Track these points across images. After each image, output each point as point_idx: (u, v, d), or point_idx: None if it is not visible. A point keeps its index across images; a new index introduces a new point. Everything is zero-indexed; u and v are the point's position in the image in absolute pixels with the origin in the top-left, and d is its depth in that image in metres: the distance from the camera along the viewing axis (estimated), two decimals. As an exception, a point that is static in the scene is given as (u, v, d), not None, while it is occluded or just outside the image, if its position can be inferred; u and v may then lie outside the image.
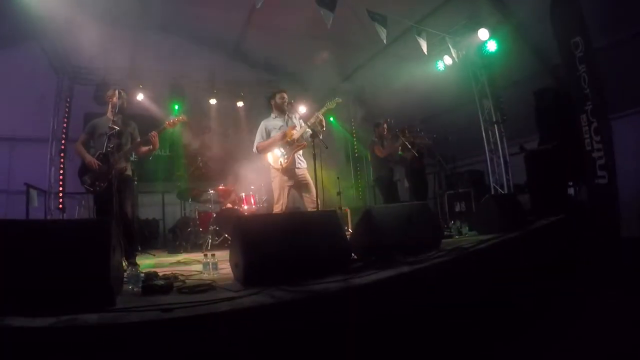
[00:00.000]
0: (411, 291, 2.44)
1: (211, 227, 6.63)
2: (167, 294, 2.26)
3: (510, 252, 3.95)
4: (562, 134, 6.52)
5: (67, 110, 7.95)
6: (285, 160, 4.64)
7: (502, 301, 3.35)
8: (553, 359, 2.67)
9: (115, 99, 4.05)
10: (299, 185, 4.73)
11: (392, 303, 2.28)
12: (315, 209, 4.46)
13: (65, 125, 7.85)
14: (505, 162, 7.60)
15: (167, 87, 8.85)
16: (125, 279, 2.51)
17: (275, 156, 4.73)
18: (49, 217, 7.06)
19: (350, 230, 5.54)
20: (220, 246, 6.31)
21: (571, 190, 6.87)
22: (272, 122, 4.88)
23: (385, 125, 6.90)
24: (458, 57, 7.33)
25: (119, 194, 3.63)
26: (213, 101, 9.47)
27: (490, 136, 7.71)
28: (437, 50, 7.45)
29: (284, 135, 4.68)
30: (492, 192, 7.42)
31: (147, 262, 4.59)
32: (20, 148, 8.18)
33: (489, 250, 3.56)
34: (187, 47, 8.97)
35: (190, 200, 7.51)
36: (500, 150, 7.60)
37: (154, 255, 5.81)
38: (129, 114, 4.38)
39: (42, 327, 1.52)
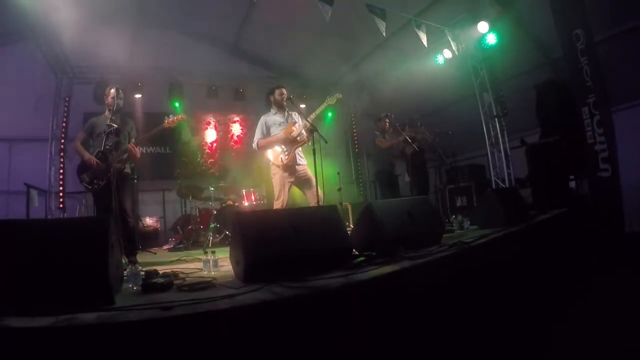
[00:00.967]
0: (413, 286, 2.43)
1: (212, 225, 6.62)
2: (167, 292, 2.24)
3: (512, 247, 3.93)
4: (563, 127, 6.51)
5: (66, 109, 7.94)
6: (286, 157, 4.62)
7: (504, 296, 3.34)
8: (554, 354, 2.66)
9: (112, 98, 4.03)
10: (300, 181, 4.72)
11: (394, 298, 2.26)
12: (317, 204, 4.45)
13: (64, 124, 7.85)
14: (506, 155, 7.58)
15: (166, 85, 8.84)
16: (125, 278, 2.50)
17: (276, 152, 4.70)
18: (49, 217, 7.06)
19: (351, 225, 5.53)
20: (221, 243, 6.30)
21: (573, 184, 6.84)
22: (272, 118, 4.86)
23: (386, 120, 6.88)
24: (458, 50, 7.31)
25: (117, 191, 3.62)
26: (212, 98, 9.43)
27: (491, 130, 7.69)
28: (436, 43, 7.41)
29: (286, 133, 4.67)
30: (493, 186, 7.40)
31: (147, 260, 4.58)
32: (20, 148, 8.16)
33: (490, 245, 3.54)
34: (185, 43, 8.94)
35: (190, 197, 7.50)
36: (501, 144, 7.58)
37: (155, 253, 5.81)
38: (127, 112, 4.37)
39: (41, 327, 1.51)
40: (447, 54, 7.63)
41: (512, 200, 4.95)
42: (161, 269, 3.05)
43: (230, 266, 2.71)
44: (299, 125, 4.72)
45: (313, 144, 4.33)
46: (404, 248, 2.80)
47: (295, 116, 4.88)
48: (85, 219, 3.46)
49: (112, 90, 4.08)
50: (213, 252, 3.18)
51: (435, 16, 6.96)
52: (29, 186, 6.53)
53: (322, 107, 4.71)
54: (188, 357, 1.58)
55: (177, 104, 8.75)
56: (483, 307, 2.94)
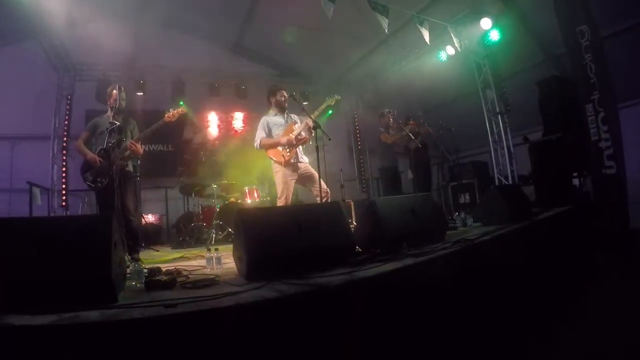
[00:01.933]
0: (416, 284, 2.42)
1: (215, 222, 6.62)
2: (171, 290, 2.23)
3: (515, 244, 3.91)
4: (566, 124, 6.48)
5: (68, 107, 7.93)
6: (288, 154, 4.63)
7: (507, 294, 3.33)
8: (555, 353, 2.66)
9: (115, 96, 4.04)
10: (303, 178, 4.74)
11: (397, 296, 2.25)
12: (326, 197, 4.45)
13: (66, 122, 7.83)
14: (510, 153, 7.56)
15: (169, 82, 8.83)
16: (128, 275, 2.50)
17: (278, 150, 4.71)
18: (52, 215, 7.07)
19: (354, 222, 5.52)
20: (224, 240, 6.30)
21: (576, 181, 6.81)
22: (273, 119, 4.88)
23: (390, 115, 6.88)
24: (461, 47, 7.27)
25: (120, 189, 3.62)
26: (214, 95, 9.43)
27: (494, 127, 7.66)
28: (439, 40, 7.38)
29: (287, 133, 4.70)
30: (496, 184, 7.38)
31: (150, 258, 4.59)
32: (22, 146, 8.16)
33: (494, 242, 3.52)
34: (187, 41, 8.93)
35: (193, 195, 7.50)
36: (504, 141, 7.56)
37: (158, 250, 5.81)
38: (130, 110, 4.38)
39: (44, 325, 1.50)
40: (450, 50, 7.60)
41: (515, 197, 4.93)
42: (164, 267, 3.05)
43: (233, 263, 2.71)
44: (299, 125, 4.74)
45: (316, 140, 4.33)
46: (407, 245, 2.80)
47: (295, 117, 4.92)
48: (88, 216, 3.45)
49: (115, 91, 4.09)
50: (216, 249, 3.18)
51: (437, 13, 6.93)
52: (31, 184, 6.53)
53: (322, 107, 4.74)
54: (191, 354, 1.58)
55: (181, 103, 8.73)
56: (486, 304, 2.93)
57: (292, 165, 4.66)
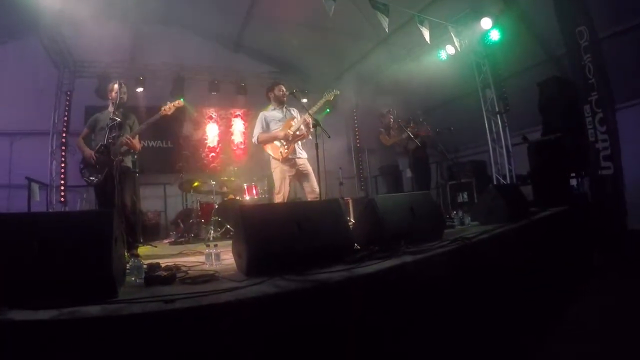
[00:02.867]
0: (414, 281, 2.44)
1: (213, 218, 6.63)
2: (170, 285, 2.24)
3: (513, 243, 3.93)
4: (565, 125, 6.51)
5: (67, 103, 7.93)
6: (286, 151, 4.65)
7: (505, 292, 3.35)
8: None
9: (115, 93, 4.05)
10: (299, 174, 4.76)
11: (396, 293, 2.27)
12: (315, 199, 4.48)
13: (66, 118, 7.84)
14: (508, 152, 7.58)
15: (168, 79, 8.85)
16: (127, 271, 2.51)
17: (275, 146, 4.73)
18: (51, 211, 7.08)
19: (352, 220, 5.55)
20: (222, 237, 6.31)
21: (574, 182, 6.84)
22: (271, 114, 4.91)
23: (390, 116, 6.90)
24: (461, 46, 7.28)
25: (119, 185, 3.63)
26: (214, 92, 9.46)
27: (493, 126, 7.67)
28: (439, 39, 7.39)
29: (285, 128, 4.72)
30: (495, 183, 7.40)
31: (148, 254, 4.59)
32: (21, 142, 8.18)
33: (492, 241, 3.54)
34: (188, 38, 8.94)
35: (192, 191, 7.51)
36: (502, 141, 7.57)
37: (156, 247, 5.82)
38: (130, 106, 4.39)
39: (45, 320, 1.51)
40: (450, 49, 7.60)
41: (513, 196, 4.94)
42: (163, 262, 3.06)
43: (232, 259, 2.72)
44: (297, 120, 4.75)
45: (316, 138, 4.35)
46: (406, 243, 2.81)
47: (294, 112, 4.94)
48: (89, 212, 3.47)
49: (115, 86, 4.11)
50: (215, 245, 3.19)
51: (438, 12, 6.95)
52: (30, 180, 6.53)
53: (320, 103, 4.75)
54: (191, 350, 1.59)
55: (182, 99, 8.72)
56: (483, 303, 2.96)
57: (289, 161, 4.69)
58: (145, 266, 2.58)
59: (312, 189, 4.61)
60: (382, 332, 2.10)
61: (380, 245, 2.78)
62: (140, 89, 8.33)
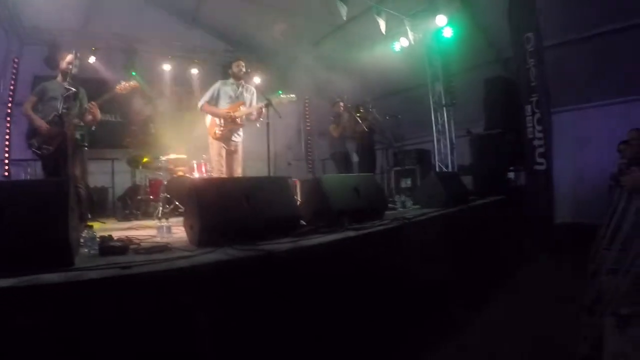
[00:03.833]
0: (355, 255, 2.68)
1: (162, 195, 6.58)
2: (124, 255, 2.30)
3: (449, 225, 4.28)
4: (507, 122, 6.95)
5: (14, 72, 7.46)
6: (220, 131, 4.85)
7: (438, 271, 3.70)
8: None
9: (68, 63, 3.95)
10: (229, 155, 5.00)
11: (337, 263, 2.49)
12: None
13: (12, 87, 7.37)
14: (452, 143, 8.03)
15: (121, 51, 8.52)
16: (81, 242, 2.55)
17: (212, 123, 4.90)
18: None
19: (299, 200, 5.76)
20: (171, 214, 6.25)
21: (512, 175, 7.39)
22: (225, 88, 5.03)
23: (341, 104, 7.09)
24: (415, 40, 7.57)
25: (71, 157, 3.59)
26: (167, 67, 9.23)
27: (439, 118, 8.09)
28: (394, 31, 7.63)
29: (230, 110, 4.89)
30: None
31: (98, 229, 4.55)
32: (-38, 112, 7.60)
33: (428, 222, 3.87)
34: (143, 10, 8.58)
35: (140, 167, 7.38)
36: (447, 133, 8.00)
37: (104, 222, 5.73)
38: (80, 78, 4.28)
39: (3, 288, 1.51)
40: (404, 42, 7.88)
41: (453, 183, 5.29)
42: (115, 236, 3.11)
43: (183, 233, 2.81)
44: (245, 108, 4.90)
45: (267, 117, 4.51)
46: (349, 220, 3.04)
47: (248, 93, 5.08)
48: (45, 180, 3.38)
49: (70, 56, 3.99)
50: (167, 219, 3.28)
51: (395, 5, 7.16)
52: (-30, 151, 6.17)
53: (275, 101, 4.79)
54: (149, 312, 1.68)
55: (133, 73, 8.46)
56: (417, 281, 3.27)
57: (224, 139, 4.91)
58: (98, 238, 2.63)
59: (239, 162, 4.96)
60: (325, 298, 2.31)
61: (325, 222, 2.99)
62: (92, 60, 7.98)
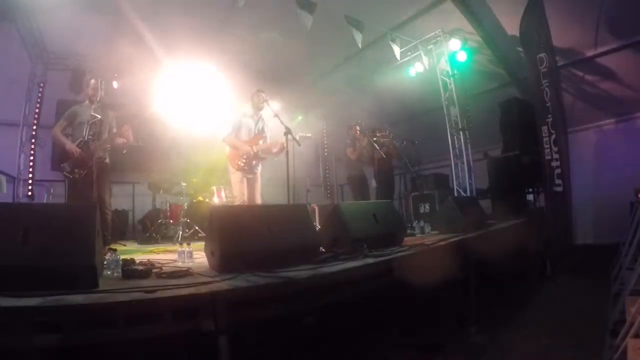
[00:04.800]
0: (375, 280, 2.67)
1: (182, 219, 6.68)
2: (147, 279, 2.34)
3: (469, 251, 4.22)
4: (523, 143, 6.90)
5: (40, 95, 7.75)
6: (243, 164, 4.99)
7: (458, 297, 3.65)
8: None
9: (93, 89, 4.11)
10: (250, 181, 5.15)
11: (358, 290, 2.49)
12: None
13: (37, 111, 7.66)
14: (469, 167, 7.97)
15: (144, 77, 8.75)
16: (105, 265, 2.61)
17: (234, 155, 5.05)
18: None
19: (318, 226, 5.78)
20: (190, 238, 6.34)
21: (530, 197, 7.28)
22: (245, 120, 5.15)
23: (357, 127, 7.16)
24: (429, 64, 7.66)
25: (97, 182, 3.70)
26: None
27: (456, 142, 8.06)
28: (409, 57, 7.75)
29: (250, 144, 5.05)
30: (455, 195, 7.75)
31: (119, 252, 4.62)
32: (-12, 133, 7.93)
33: (448, 248, 3.82)
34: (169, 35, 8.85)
35: (161, 192, 7.52)
36: (464, 156, 7.96)
37: (124, 245, 5.82)
38: (106, 103, 4.44)
39: (29, 307, 1.57)
40: (419, 67, 7.98)
41: (471, 208, 5.24)
42: (136, 259, 3.16)
43: (204, 258, 2.84)
44: (263, 143, 5.07)
45: (286, 145, 4.58)
46: (368, 247, 3.04)
47: (262, 124, 5.26)
48: (74, 205, 3.48)
49: (93, 81, 4.16)
50: (188, 244, 3.33)
51: (410, 31, 7.29)
52: (-4, 172, 6.41)
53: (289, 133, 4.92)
54: (171, 335, 1.73)
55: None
56: (437, 305, 3.23)
57: (245, 170, 5.06)
58: (121, 261, 2.68)
59: (257, 198, 5.07)
60: (344, 328, 2.31)
61: (344, 249, 3.00)
62: (115, 85, 8.25)
